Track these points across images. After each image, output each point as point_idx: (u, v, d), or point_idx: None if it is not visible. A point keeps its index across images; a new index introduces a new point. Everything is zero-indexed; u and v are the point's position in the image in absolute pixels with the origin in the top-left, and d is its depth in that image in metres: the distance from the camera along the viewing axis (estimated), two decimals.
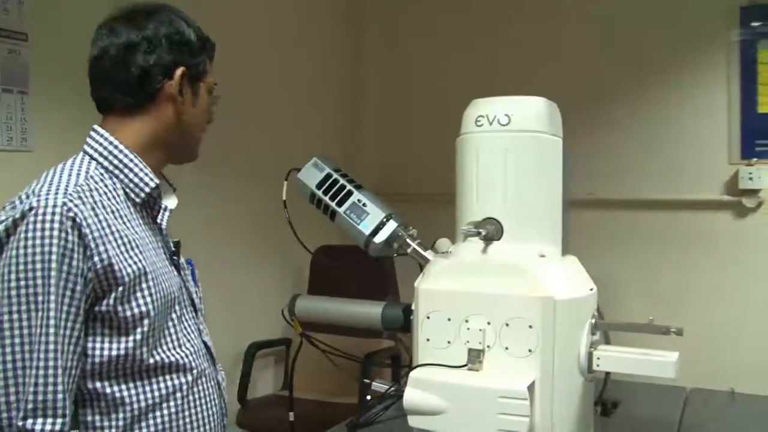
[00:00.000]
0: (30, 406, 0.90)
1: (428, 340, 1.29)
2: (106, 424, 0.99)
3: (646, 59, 3.02)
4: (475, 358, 1.22)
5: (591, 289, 1.30)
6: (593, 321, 1.28)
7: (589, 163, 3.04)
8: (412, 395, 1.21)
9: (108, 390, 0.99)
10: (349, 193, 1.52)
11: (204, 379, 1.12)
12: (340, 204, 1.51)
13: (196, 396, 1.09)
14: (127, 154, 1.07)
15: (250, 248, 2.96)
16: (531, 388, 1.17)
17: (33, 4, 2.16)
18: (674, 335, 1.24)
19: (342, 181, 1.54)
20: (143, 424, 1.02)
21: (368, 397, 1.60)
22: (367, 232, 1.47)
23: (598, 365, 1.26)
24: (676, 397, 1.83)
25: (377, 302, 1.56)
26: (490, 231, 1.26)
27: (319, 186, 1.54)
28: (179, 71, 1.10)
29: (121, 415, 0.99)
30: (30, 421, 0.90)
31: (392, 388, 1.59)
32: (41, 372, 0.90)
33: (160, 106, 1.10)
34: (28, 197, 0.96)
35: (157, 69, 1.08)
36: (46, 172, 1.03)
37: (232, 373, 2.87)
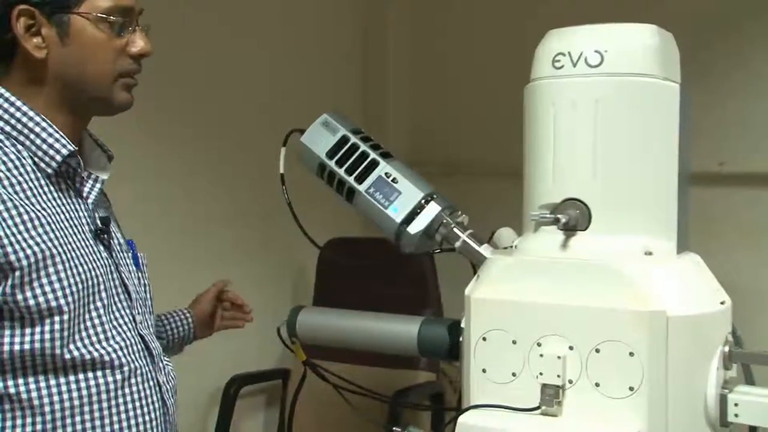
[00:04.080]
0: None
1: (484, 371, 1.29)
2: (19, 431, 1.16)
3: None
4: (551, 397, 1.22)
5: (722, 302, 1.28)
6: (727, 349, 1.26)
7: (719, 123, 2.99)
8: None
9: (20, 389, 1.16)
10: (374, 164, 1.52)
11: (138, 380, 1.27)
12: (360, 179, 1.52)
13: (127, 399, 1.24)
14: (33, 116, 1.22)
15: (234, 241, 2.95)
16: None
17: None
18: None
19: (363, 146, 1.54)
20: None
21: None
22: (399, 218, 1.47)
23: (736, 415, 1.24)
24: None
25: (412, 317, 1.56)
26: (573, 217, 1.26)
27: (331, 154, 1.55)
28: (15, 12, 1.20)
29: (30, 420, 1.16)
30: None
31: None
32: None
33: (27, 58, 1.23)
34: None
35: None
36: None
37: (205, 417, 2.89)
